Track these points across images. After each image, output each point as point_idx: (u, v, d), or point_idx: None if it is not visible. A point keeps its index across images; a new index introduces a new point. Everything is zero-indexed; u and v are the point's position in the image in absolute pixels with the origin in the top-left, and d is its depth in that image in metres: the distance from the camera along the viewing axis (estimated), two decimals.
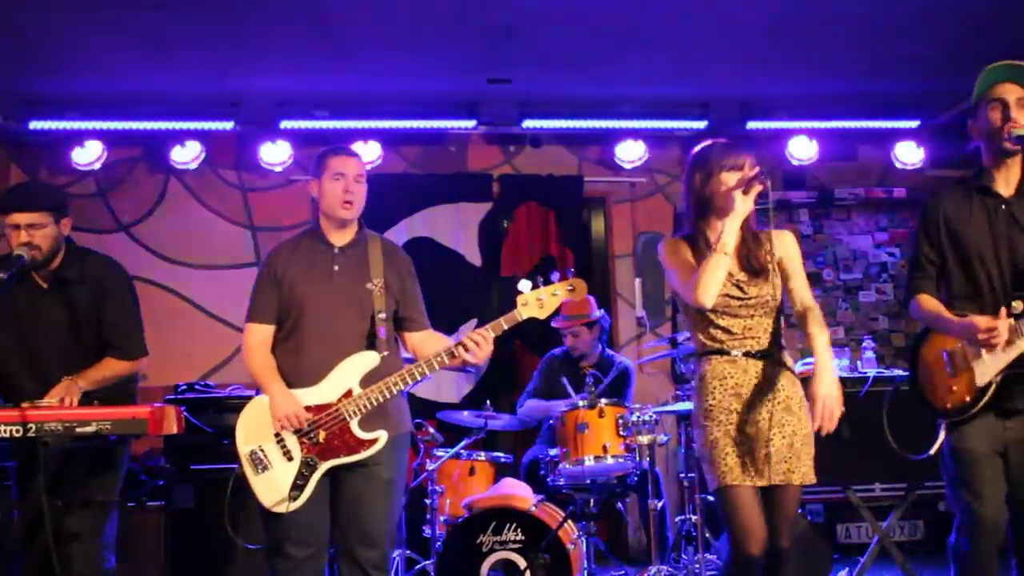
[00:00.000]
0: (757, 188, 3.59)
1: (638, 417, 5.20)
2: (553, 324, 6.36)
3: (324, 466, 3.86)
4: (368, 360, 3.91)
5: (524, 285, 3.87)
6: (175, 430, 3.83)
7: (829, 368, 3.74)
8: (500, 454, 5.95)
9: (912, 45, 6.44)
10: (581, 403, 5.28)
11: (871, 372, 6.11)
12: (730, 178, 3.67)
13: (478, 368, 7.47)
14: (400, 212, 7.67)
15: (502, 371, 7.61)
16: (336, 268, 4.01)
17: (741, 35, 6.24)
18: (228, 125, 7.21)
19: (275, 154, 7.33)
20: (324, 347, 3.92)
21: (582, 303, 6.32)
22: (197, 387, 5.77)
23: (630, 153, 7.65)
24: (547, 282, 3.87)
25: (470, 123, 7.43)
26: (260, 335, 4.01)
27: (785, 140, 7.72)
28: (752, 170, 3.63)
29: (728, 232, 3.56)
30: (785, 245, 3.83)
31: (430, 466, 5.79)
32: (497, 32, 6.08)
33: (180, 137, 7.31)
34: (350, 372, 3.89)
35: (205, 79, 6.67)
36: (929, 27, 6.16)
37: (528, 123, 7.45)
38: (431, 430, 6.23)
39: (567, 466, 5.15)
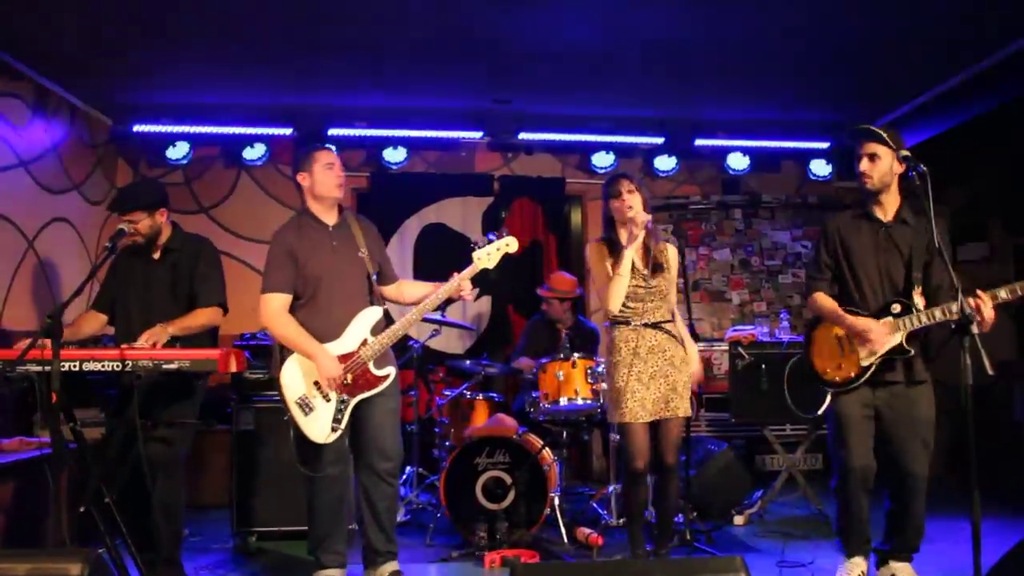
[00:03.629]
0: (645, 223, 3.97)
1: (602, 368, 5.21)
2: (538, 291, 6.40)
3: (353, 401, 3.90)
4: (375, 314, 3.95)
5: (477, 246, 4.06)
6: (239, 368, 3.86)
7: (694, 351, 4.26)
8: (494, 394, 5.95)
9: (827, 83, 6.43)
10: (559, 356, 5.28)
11: (786, 338, 6.16)
12: (614, 203, 4.10)
13: (478, 326, 7.52)
14: (421, 202, 7.64)
15: (497, 330, 7.60)
16: (335, 243, 4.01)
17: (693, 71, 6.20)
18: (287, 131, 7.17)
19: (298, 154, 7.25)
20: (341, 307, 3.93)
21: (566, 282, 6.34)
22: (258, 336, 5.78)
23: (603, 161, 7.64)
24: (489, 242, 4.03)
25: (478, 134, 7.40)
26: (282, 303, 3.95)
27: (725, 154, 7.73)
28: (643, 215, 3.97)
29: (625, 261, 3.95)
30: (671, 255, 4.21)
31: (439, 402, 5.81)
32: (500, 65, 6.07)
33: (250, 140, 7.28)
34: (363, 325, 3.92)
35: (270, 95, 6.65)
36: (838, 70, 6.15)
37: (523, 135, 7.41)
38: (441, 374, 6.27)
39: (546, 405, 5.15)
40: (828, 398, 3.94)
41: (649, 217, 3.99)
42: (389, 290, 4.19)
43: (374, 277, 3.99)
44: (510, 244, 3.97)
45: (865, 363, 3.83)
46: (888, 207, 3.93)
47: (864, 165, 3.87)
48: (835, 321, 3.93)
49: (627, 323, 4.04)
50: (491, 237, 3.98)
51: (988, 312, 3.44)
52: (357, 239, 4.03)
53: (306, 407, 3.86)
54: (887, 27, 5.37)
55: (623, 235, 4.08)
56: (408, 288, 4.17)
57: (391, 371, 3.94)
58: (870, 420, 3.81)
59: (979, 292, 3.48)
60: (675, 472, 4.12)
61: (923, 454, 3.72)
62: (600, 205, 4.32)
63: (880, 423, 3.82)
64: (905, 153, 3.75)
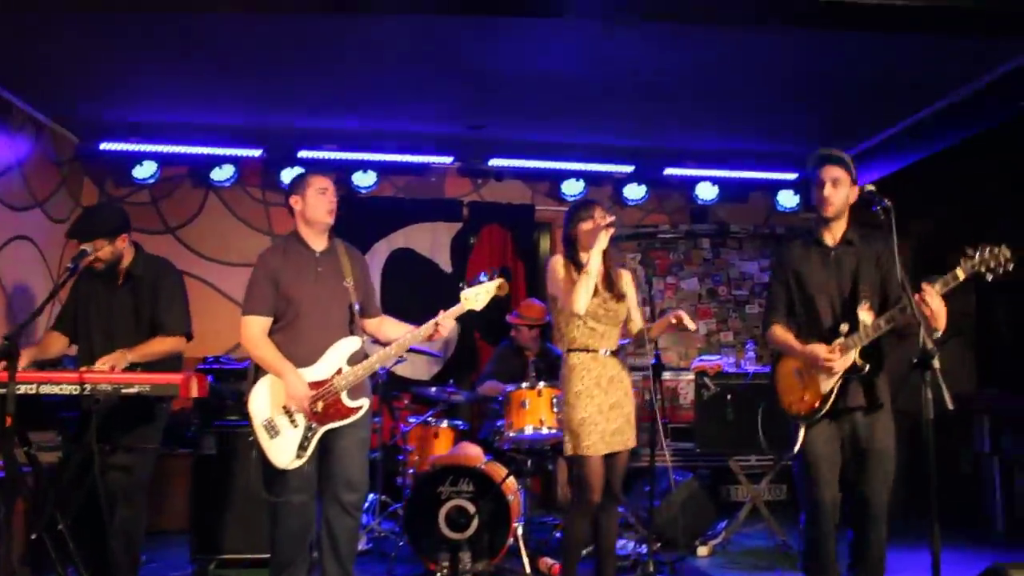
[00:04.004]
0: (611, 230, 3.99)
1: None
2: (508, 318, 6.36)
3: (322, 430, 3.86)
4: (353, 344, 3.91)
5: (466, 286, 3.98)
6: (202, 393, 3.81)
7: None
8: (459, 422, 5.92)
9: (794, 116, 6.50)
10: (524, 384, 5.27)
11: (751, 368, 6.20)
12: (584, 225, 4.11)
13: (445, 352, 7.48)
14: (390, 227, 7.60)
15: (463, 356, 7.56)
16: (320, 270, 3.98)
17: (665, 101, 6.24)
18: (256, 152, 7.14)
19: (292, 176, 7.16)
20: (318, 334, 3.89)
21: (536, 309, 6.31)
22: (221, 360, 5.72)
23: (572, 189, 7.65)
24: (479, 282, 3.95)
25: (448, 159, 7.41)
26: (261, 326, 3.92)
27: (694, 184, 7.75)
28: (605, 218, 4.02)
29: (595, 260, 3.95)
30: (627, 282, 4.22)
31: (404, 429, 5.77)
32: (474, 90, 6.08)
33: (218, 161, 7.23)
34: (340, 354, 3.88)
35: (240, 115, 6.60)
36: (806, 103, 6.22)
37: (494, 161, 7.45)
38: (405, 401, 6.22)
39: (511, 433, 5.13)
40: (800, 434, 3.89)
41: (613, 230, 4.02)
42: (371, 324, 4.14)
43: (356, 308, 3.95)
44: (501, 287, 3.94)
45: (825, 389, 3.85)
46: (836, 232, 3.98)
47: (827, 190, 3.89)
48: (789, 352, 3.95)
49: (587, 351, 4.03)
50: (482, 278, 3.94)
51: (935, 303, 3.43)
52: (344, 268, 3.99)
53: (272, 430, 3.82)
54: (855, 64, 5.44)
55: (584, 256, 4.10)
56: (389, 326, 4.12)
57: (364, 403, 3.90)
58: (837, 452, 3.81)
59: (923, 285, 3.49)
60: (618, 503, 4.19)
61: (883, 484, 3.72)
62: None
63: (842, 453, 3.82)
64: (870, 188, 3.79)
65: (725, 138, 7.13)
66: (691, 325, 4.03)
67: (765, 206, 8.13)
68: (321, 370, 3.87)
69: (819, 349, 3.80)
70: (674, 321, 4.04)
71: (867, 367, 3.78)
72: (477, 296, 3.91)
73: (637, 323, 4.23)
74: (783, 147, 7.25)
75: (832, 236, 3.99)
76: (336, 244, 4.10)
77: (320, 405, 3.83)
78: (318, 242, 4.05)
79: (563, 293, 4.04)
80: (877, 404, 3.84)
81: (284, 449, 3.82)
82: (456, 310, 3.90)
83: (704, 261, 8.08)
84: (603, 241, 3.99)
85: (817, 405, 3.85)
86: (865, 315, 3.81)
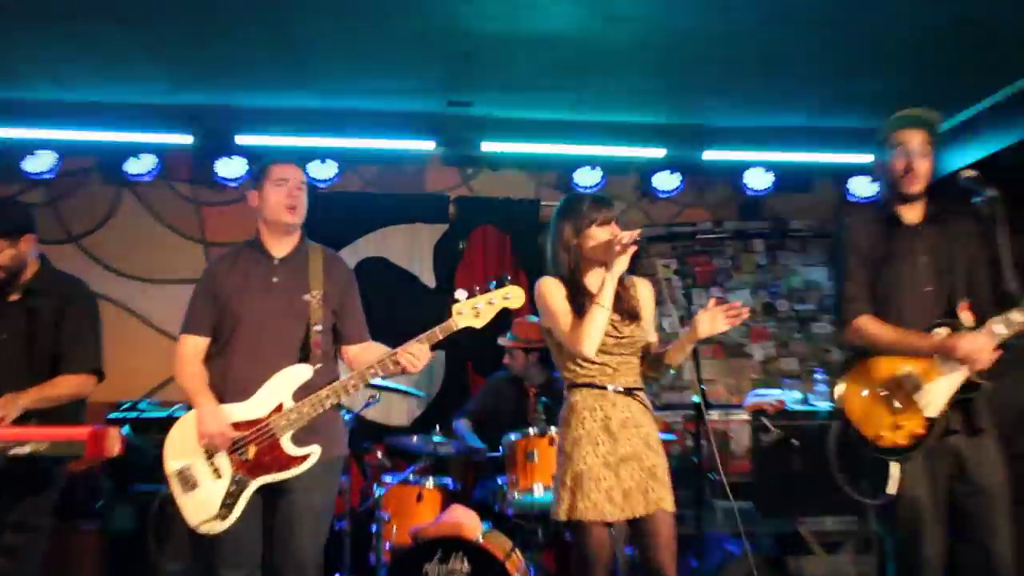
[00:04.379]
0: (633, 248, 3.81)
1: None
2: (499, 341, 6.39)
3: (254, 484, 3.79)
4: (300, 373, 3.85)
5: (460, 294, 3.86)
6: (115, 452, 3.74)
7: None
8: (449, 480, 5.86)
9: (868, 82, 6.48)
10: (532, 430, 5.23)
11: (823, 405, 6.11)
12: (600, 233, 3.94)
13: (429, 390, 7.42)
14: (355, 231, 7.58)
15: (453, 396, 7.48)
16: (275, 280, 3.96)
17: (700, 66, 6.24)
18: (185, 139, 7.11)
19: (230, 169, 7.23)
20: (257, 361, 3.86)
21: (533, 327, 6.30)
22: (141, 405, 5.67)
23: (587, 179, 7.64)
24: (484, 290, 3.86)
25: (429, 144, 7.40)
26: (193, 347, 3.97)
27: (742, 170, 7.77)
28: (632, 233, 3.84)
29: (608, 288, 3.80)
30: (645, 295, 4.11)
31: (377, 491, 5.70)
32: (458, 56, 6.07)
33: (134, 149, 7.21)
34: (281, 386, 3.82)
35: (162, 92, 6.59)
36: (883, 66, 6.21)
37: (487, 146, 7.42)
38: (379, 455, 6.16)
39: (515, 495, 5.09)
40: (895, 471, 3.80)
41: (638, 234, 3.89)
42: (352, 351, 4.12)
43: (317, 328, 3.91)
44: (511, 297, 3.85)
45: (932, 411, 3.77)
46: (917, 207, 3.99)
47: (916, 160, 3.88)
48: (899, 349, 3.84)
49: (593, 386, 3.97)
50: (490, 287, 3.89)
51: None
52: (310, 279, 3.98)
53: (187, 481, 3.79)
54: (942, 14, 5.44)
55: (593, 277, 4.00)
56: (372, 355, 4.04)
57: (313, 451, 3.82)
58: (942, 494, 3.79)
59: None
60: None
61: (1006, 528, 3.69)
62: None
63: (947, 494, 3.80)
64: (970, 173, 3.75)
65: (781, 111, 7.12)
66: (740, 315, 3.82)
67: (833, 197, 8.12)
68: (255, 407, 3.81)
69: (966, 339, 3.71)
70: (707, 324, 3.82)
71: (986, 383, 3.74)
72: (476, 309, 3.83)
73: (654, 344, 4.14)
74: (853, 121, 7.24)
75: (914, 212, 3.98)
76: (308, 249, 4.10)
77: (252, 451, 3.76)
78: (279, 246, 4.05)
79: (563, 330, 3.94)
80: (980, 427, 3.80)
81: (201, 506, 3.76)
82: (442, 329, 3.84)
83: (757, 268, 8.07)
84: (622, 264, 3.87)
85: (921, 434, 3.78)
86: (967, 317, 3.80)
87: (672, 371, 4.02)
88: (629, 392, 3.95)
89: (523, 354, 6.26)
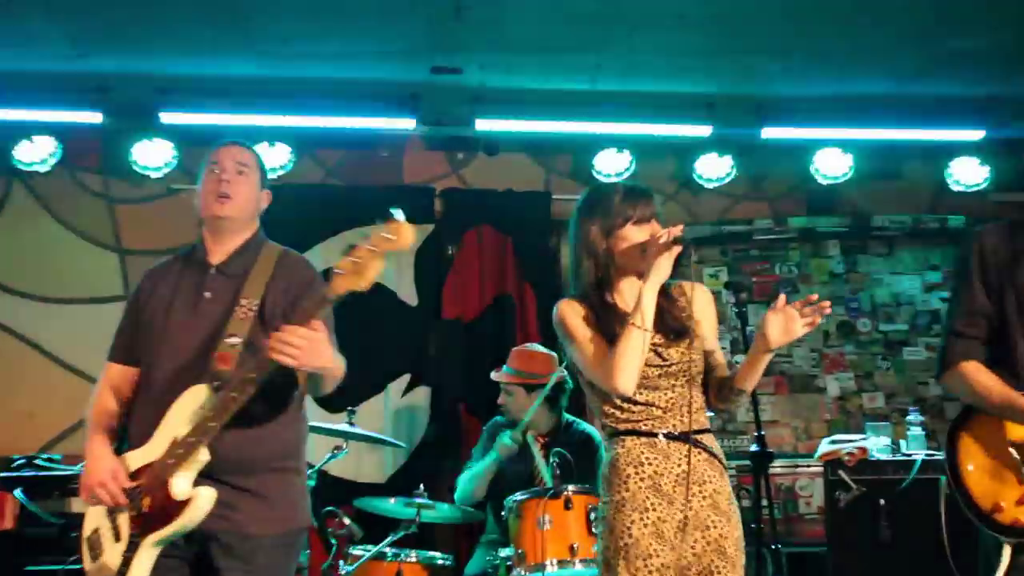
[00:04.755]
0: (677, 249, 3.73)
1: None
2: (493, 376, 6.43)
3: (147, 542, 3.68)
4: (195, 397, 3.74)
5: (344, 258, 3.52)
6: (6, 525, 3.70)
7: None
8: (437, 555, 5.86)
9: (973, 39, 6.49)
10: (543, 490, 5.24)
11: (919, 454, 6.15)
12: (636, 233, 3.86)
13: (410, 438, 7.40)
14: (314, 234, 7.55)
15: (442, 444, 7.54)
16: (207, 295, 3.89)
17: (756, 20, 6.28)
18: (93, 116, 7.12)
19: (153, 155, 7.24)
20: (172, 394, 3.77)
21: (536, 358, 6.35)
22: (39, 461, 5.63)
23: (612, 165, 7.68)
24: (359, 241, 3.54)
25: (408, 123, 7.40)
26: (111, 377, 3.99)
27: (811, 153, 7.81)
28: (673, 229, 3.75)
29: (647, 303, 3.72)
30: (702, 304, 4.00)
31: (344, 569, 5.68)
32: (445, 10, 6.09)
33: (26, 130, 7.22)
34: (179, 416, 3.73)
35: (63, 57, 6.60)
36: (995, 18, 6.21)
37: (482, 124, 7.43)
38: (346, 521, 6.12)
39: (524, 572, 5.10)
40: (1006, 555, 3.76)
41: (680, 229, 3.80)
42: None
43: (232, 341, 3.80)
44: (393, 235, 3.48)
45: None
46: None
47: None
48: (1008, 410, 3.83)
49: (638, 433, 3.89)
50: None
51: None
52: (251, 289, 3.89)
53: (94, 548, 3.80)
54: None
55: (628, 291, 3.95)
56: None
57: (202, 495, 3.67)
58: None
59: None
60: None
61: None
62: None
63: None
64: None
65: (861, 76, 7.14)
66: (821, 309, 3.66)
67: (930, 185, 8.16)
68: (154, 447, 3.73)
69: None
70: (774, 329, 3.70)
71: None
72: (355, 263, 3.49)
73: (719, 365, 4.04)
74: (955, 87, 7.26)
75: None
76: (259, 250, 4.02)
77: (146, 502, 3.68)
78: (219, 250, 3.99)
79: (590, 364, 3.89)
80: None
81: None
82: (314, 301, 3.58)
83: (832, 277, 8.10)
84: (662, 270, 3.81)
85: None
86: None
87: (743, 398, 3.92)
88: (687, 438, 3.83)
89: (524, 392, 6.25)
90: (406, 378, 7.53)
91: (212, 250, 4.00)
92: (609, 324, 3.84)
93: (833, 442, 6.48)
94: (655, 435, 3.83)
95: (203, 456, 3.66)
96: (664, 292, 3.85)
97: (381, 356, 7.42)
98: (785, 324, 3.66)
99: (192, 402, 3.72)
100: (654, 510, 3.77)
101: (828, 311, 3.64)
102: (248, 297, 3.86)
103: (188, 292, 3.94)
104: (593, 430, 6.33)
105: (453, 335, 7.61)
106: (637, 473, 3.80)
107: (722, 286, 7.78)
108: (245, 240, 4.03)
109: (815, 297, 3.66)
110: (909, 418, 6.94)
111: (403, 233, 3.49)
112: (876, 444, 6.41)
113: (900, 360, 8.01)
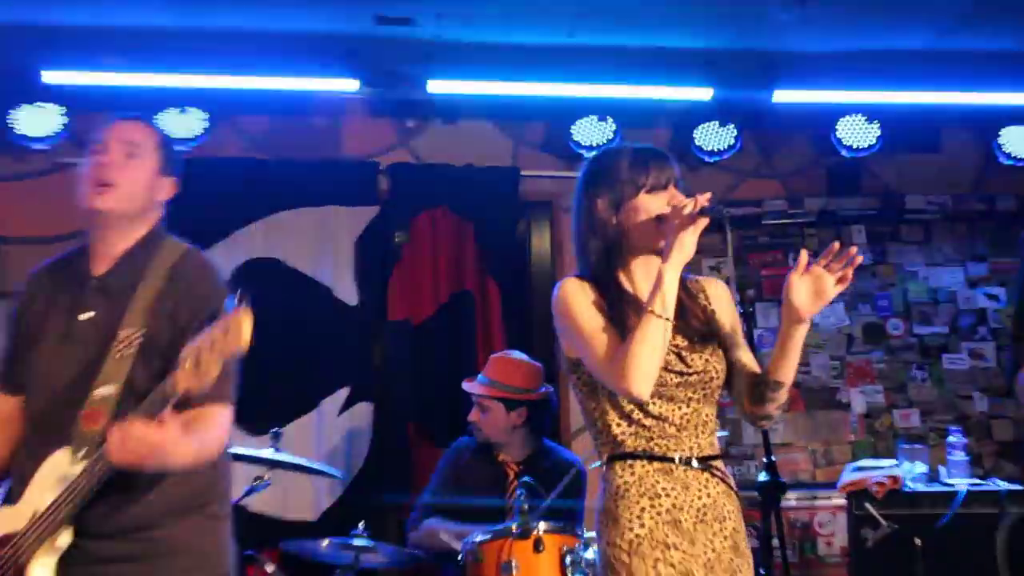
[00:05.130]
0: (704, 222, 3.67)
1: (593, 553, 5.11)
2: (465, 386, 6.42)
3: None
4: (57, 465, 3.70)
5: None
6: None
7: None
8: None
9: None
10: (509, 527, 5.25)
11: (962, 484, 6.20)
12: (651, 203, 3.82)
13: (347, 467, 7.39)
14: (234, 220, 7.63)
15: (388, 472, 7.52)
16: (84, 317, 3.81)
17: None
18: None
19: (36, 122, 7.22)
20: (48, 444, 3.73)
21: (519, 369, 6.35)
22: None
23: (593, 134, 7.71)
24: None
25: (347, 83, 7.44)
26: None
27: (832, 120, 7.85)
28: (700, 197, 3.69)
29: (668, 286, 3.66)
30: (721, 299, 4.06)
31: None
32: None
33: None
34: (42, 482, 3.70)
35: None
36: None
37: (436, 85, 7.45)
38: (269, 568, 6.11)
39: None
40: None
41: (707, 198, 3.72)
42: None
43: (104, 392, 3.73)
44: (228, 333, 3.40)
45: None
46: None
47: None
48: None
49: (650, 457, 3.87)
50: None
51: None
52: (135, 315, 3.80)
53: None
54: None
55: (642, 275, 3.94)
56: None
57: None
58: None
59: None
60: None
61: None
62: None
63: None
64: None
65: (892, 29, 7.19)
66: (852, 261, 3.65)
67: (975, 159, 8.21)
68: (19, 512, 3.70)
69: None
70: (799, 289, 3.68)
71: None
72: (196, 355, 3.42)
73: (749, 363, 4.02)
74: (1004, 40, 7.34)
75: None
76: (152, 259, 3.92)
77: None
78: (103, 254, 3.91)
79: (598, 359, 3.84)
80: None
81: None
82: (151, 401, 3.51)
83: (857, 270, 7.87)
84: (686, 247, 3.73)
85: None
86: None
87: (783, 394, 3.82)
88: (705, 464, 3.87)
89: (503, 409, 6.23)
90: (344, 392, 7.49)
91: (96, 254, 3.91)
92: (622, 312, 3.83)
93: (859, 469, 6.52)
94: (671, 460, 3.83)
95: (64, 540, 3.62)
96: (682, 285, 3.83)
97: (314, 366, 7.46)
98: (814, 286, 3.65)
99: (54, 470, 3.66)
100: (675, 548, 3.76)
101: (859, 259, 3.63)
102: (129, 327, 3.74)
103: (63, 310, 3.86)
104: (577, 459, 6.36)
105: (401, 340, 7.62)
106: (653, 506, 3.79)
107: (724, 281, 7.83)
108: (136, 241, 3.94)
109: (836, 246, 3.64)
110: (950, 440, 6.94)
111: (234, 331, 3.38)
112: (910, 471, 6.43)
113: (939, 370, 8.04)
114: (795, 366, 3.77)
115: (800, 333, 3.68)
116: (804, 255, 3.66)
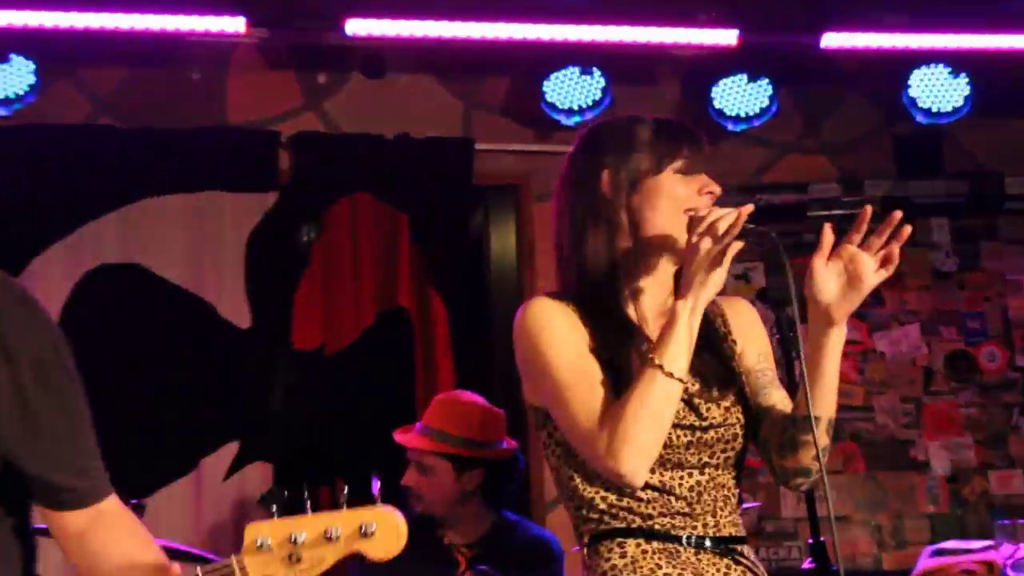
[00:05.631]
0: (738, 246, 3.62)
1: None
2: (397, 437, 6.36)
3: None
4: None
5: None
6: None
7: None
8: None
9: None
10: None
11: None
12: (680, 185, 3.79)
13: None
14: (77, 211, 7.54)
15: None
16: None
17: None
18: None
19: None
20: None
21: (471, 413, 6.26)
22: None
23: (574, 93, 7.71)
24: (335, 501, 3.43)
25: (234, 22, 7.33)
26: None
27: (902, 73, 7.83)
28: (743, 208, 3.60)
29: (683, 332, 3.60)
30: (746, 326, 4.07)
31: None
32: None
33: None
34: None
35: None
36: None
37: (356, 25, 7.34)
38: None
39: None
40: None
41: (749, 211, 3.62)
42: (72, 524, 3.68)
43: None
44: (375, 533, 3.17)
45: None
46: None
47: None
48: None
49: (650, 535, 3.80)
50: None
51: None
52: None
53: None
54: None
55: (651, 293, 3.88)
56: (122, 541, 3.61)
57: None
58: None
59: None
60: None
61: None
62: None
63: None
64: None
65: None
66: (900, 235, 3.57)
67: None
68: None
69: None
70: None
71: None
72: (293, 548, 3.16)
73: (781, 404, 3.94)
74: None
75: None
76: None
77: None
78: None
79: (578, 423, 3.73)
80: None
81: None
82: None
83: (936, 278, 8.19)
84: (717, 279, 3.66)
85: None
86: None
87: (823, 434, 3.70)
88: (725, 547, 3.83)
89: (451, 470, 6.16)
90: (232, 448, 7.44)
91: None
92: (620, 352, 3.80)
93: (940, 552, 6.40)
94: (676, 539, 3.79)
95: None
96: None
97: (191, 413, 7.37)
98: (848, 272, 3.61)
99: None
100: None
101: (907, 230, 3.56)
102: None
103: None
104: (552, 536, 6.39)
105: (310, 376, 7.56)
106: None
107: (755, 295, 7.62)
108: None
109: (869, 211, 3.57)
110: None
111: (387, 530, 3.24)
112: (1012, 555, 6.28)
113: None
114: (834, 392, 3.73)
115: (834, 342, 3.65)
116: (828, 231, 3.61)
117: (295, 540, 3.27)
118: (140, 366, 7.31)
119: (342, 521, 3.25)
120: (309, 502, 3.46)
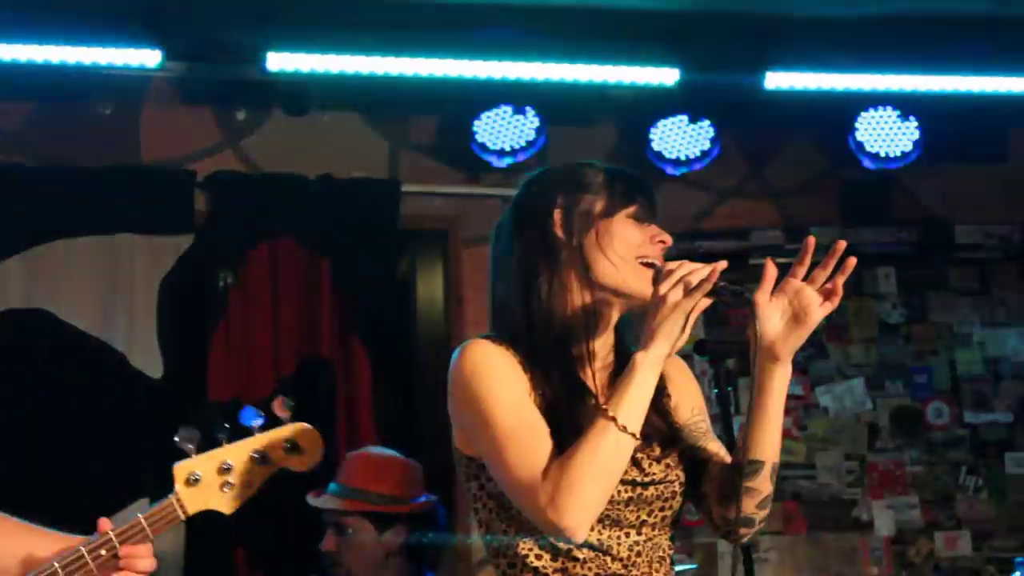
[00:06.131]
0: (705, 303, 3.57)
1: None
2: (310, 500, 6.34)
3: None
4: None
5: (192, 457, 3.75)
6: None
7: None
8: None
9: None
10: None
11: None
12: (632, 230, 3.79)
13: None
14: None
15: None
16: None
17: None
18: None
19: None
20: None
21: (388, 469, 6.26)
22: None
23: (507, 134, 7.64)
24: (243, 429, 3.80)
25: (148, 55, 7.23)
26: None
27: (848, 115, 7.78)
28: (718, 265, 3.56)
29: (641, 386, 3.57)
30: (680, 383, 4.04)
31: None
32: None
33: None
34: None
35: None
36: None
37: (277, 60, 7.27)
38: None
39: None
40: None
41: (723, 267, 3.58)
42: None
43: None
44: (304, 448, 3.76)
45: None
46: None
47: None
48: None
49: None
50: (251, 420, 3.76)
51: None
52: None
53: None
54: None
55: (601, 342, 3.83)
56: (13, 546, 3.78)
57: None
58: None
59: None
60: None
61: None
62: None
63: None
64: None
65: None
66: (844, 269, 3.55)
67: None
68: None
69: None
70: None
71: None
72: (223, 474, 3.69)
73: (717, 453, 3.96)
74: None
75: None
76: None
77: None
78: None
79: (516, 469, 3.63)
80: None
81: None
82: (150, 519, 3.66)
83: (881, 331, 8.18)
84: (681, 334, 3.58)
85: None
86: None
87: (762, 480, 3.69)
88: None
89: (372, 530, 6.11)
90: (143, 503, 6.92)
91: None
92: (567, 400, 3.75)
93: None
94: None
95: None
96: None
97: (98, 470, 7.18)
98: (793, 308, 3.58)
99: None
100: None
101: (852, 262, 3.53)
102: None
103: None
104: None
105: (232, 427, 7.17)
106: None
107: (693, 346, 7.42)
108: None
109: (812, 242, 3.55)
110: None
111: (309, 444, 3.81)
112: None
113: (999, 475, 7.97)
114: (778, 436, 3.74)
115: (779, 382, 3.66)
116: (771, 265, 3.54)
117: (225, 468, 3.71)
118: (42, 418, 7.12)
119: (266, 441, 3.74)
120: (225, 436, 3.75)
